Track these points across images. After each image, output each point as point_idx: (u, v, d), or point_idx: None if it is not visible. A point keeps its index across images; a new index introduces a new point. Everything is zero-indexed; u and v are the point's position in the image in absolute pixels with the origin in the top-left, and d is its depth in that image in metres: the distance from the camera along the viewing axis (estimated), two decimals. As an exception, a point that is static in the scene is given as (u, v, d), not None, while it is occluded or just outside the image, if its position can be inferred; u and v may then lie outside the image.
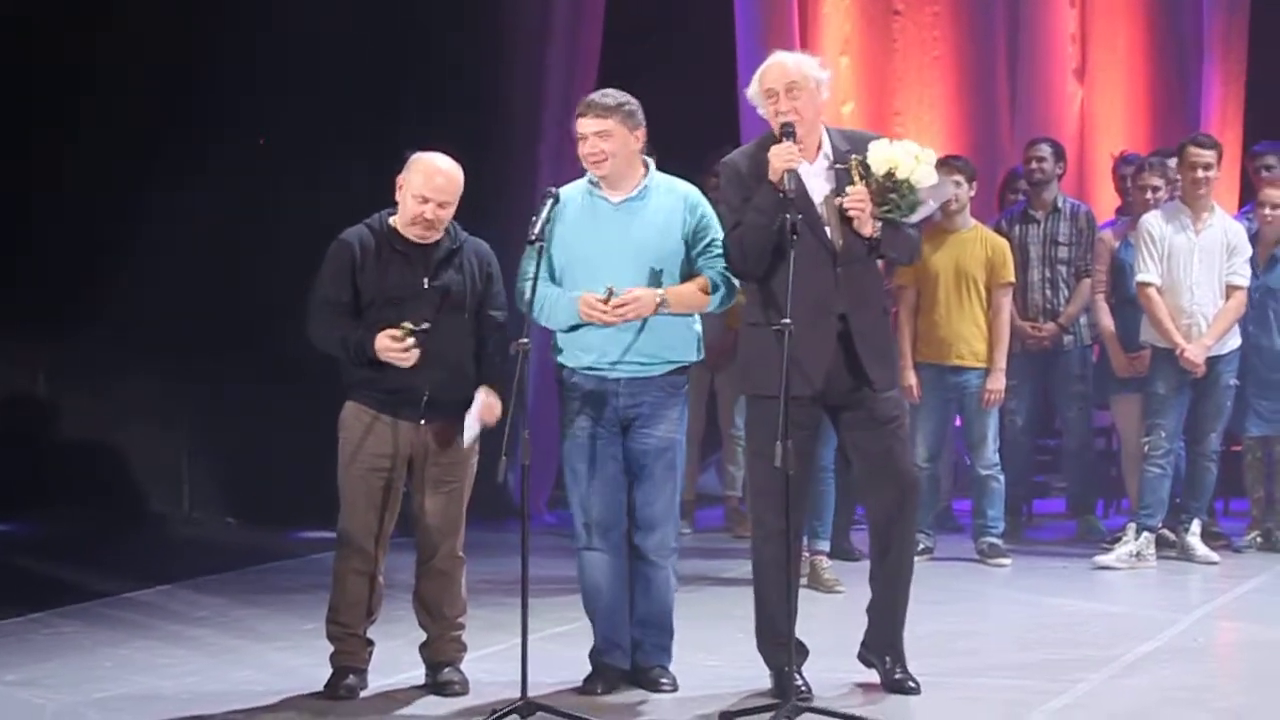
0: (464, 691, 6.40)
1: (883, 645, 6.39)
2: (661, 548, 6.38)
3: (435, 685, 6.46)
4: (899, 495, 6.29)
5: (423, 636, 6.57)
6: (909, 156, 6.17)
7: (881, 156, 6.18)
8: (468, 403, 6.35)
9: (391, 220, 6.38)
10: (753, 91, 6.33)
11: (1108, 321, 9.58)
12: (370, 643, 6.51)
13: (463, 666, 6.52)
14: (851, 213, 6.16)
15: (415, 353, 6.19)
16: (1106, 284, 9.57)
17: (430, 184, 6.28)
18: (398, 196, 6.37)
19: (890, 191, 6.16)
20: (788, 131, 6.14)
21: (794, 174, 6.06)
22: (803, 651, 6.30)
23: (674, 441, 6.35)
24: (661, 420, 6.32)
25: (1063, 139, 10.67)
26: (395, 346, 6.19)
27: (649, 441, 6.31)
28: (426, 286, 6.31)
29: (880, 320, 6.41)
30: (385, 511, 6.40)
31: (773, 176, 6.11)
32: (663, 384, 6.33)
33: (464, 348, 6.37)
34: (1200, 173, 8.96)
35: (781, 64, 6.29)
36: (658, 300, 6.21)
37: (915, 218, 6.33)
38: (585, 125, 6.28)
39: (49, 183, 9.94)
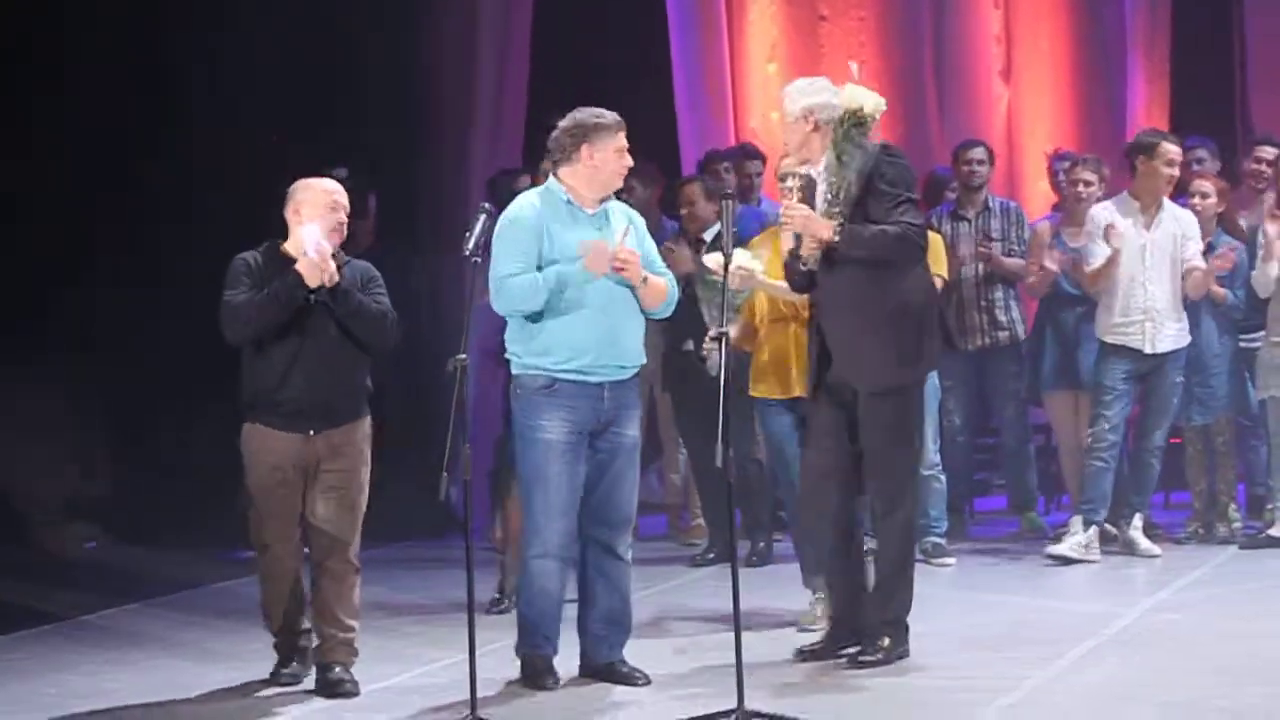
0: (355, 692, 6.54)
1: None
2: (629, 545, 6.62)
3: (325, 685, 6.58)
4: None
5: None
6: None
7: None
8: (357, 413, 6.62)
9: (284, 247, 6.62)
10: (806, 113, 6.61)
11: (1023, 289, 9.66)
12: (309, 631, 6.71)
13: (402, 681, 6.64)
14: (790, 227, 6.49)
15: (333, 267, 6.43)
16: (1037, 275, 9.50)
17: (329, 198, 6.58)
18: (292, 224, 6.60)
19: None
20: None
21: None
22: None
23: (638, 440, 6.63)
24: (633, 419, 6.59)
25: (991, 140, 10.71)
26: (320, 266, 6.40)
27: (623, 439, 6.56)
28: (312, 301, 6.50)
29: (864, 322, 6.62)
30: (299, 516, 6.64)
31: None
32: (632, 385, 6.59)
33: (351, 360, 6.60)
34: (1176, 170, 8.94)
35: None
36: (643, 275, 6.47)
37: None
38: (625, 141, 6.55)
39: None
